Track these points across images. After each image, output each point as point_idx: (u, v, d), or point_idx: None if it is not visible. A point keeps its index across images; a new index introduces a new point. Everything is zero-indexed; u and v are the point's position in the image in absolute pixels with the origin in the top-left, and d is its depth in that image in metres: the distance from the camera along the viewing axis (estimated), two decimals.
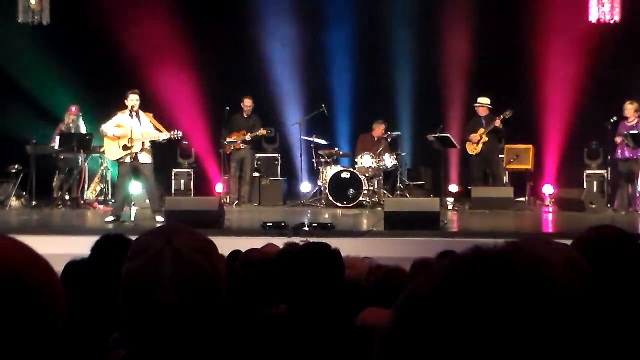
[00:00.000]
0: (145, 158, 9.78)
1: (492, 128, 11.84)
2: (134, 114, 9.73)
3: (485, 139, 11.90)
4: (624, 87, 12.31)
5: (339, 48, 13.54)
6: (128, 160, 9.71)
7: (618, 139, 11.20)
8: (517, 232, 9.07)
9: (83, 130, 12.36)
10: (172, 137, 9.99)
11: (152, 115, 10.02)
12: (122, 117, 9.81)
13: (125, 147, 9.70)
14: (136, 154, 9.68)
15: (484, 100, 12.09)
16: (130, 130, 9.66)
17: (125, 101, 9.81)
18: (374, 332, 2.54)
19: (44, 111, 12.62)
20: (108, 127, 9.84)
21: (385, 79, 13.65)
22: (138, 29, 13.12)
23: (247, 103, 12.68)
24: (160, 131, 9.90)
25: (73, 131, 12.20)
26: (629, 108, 11.18)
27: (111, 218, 9.70)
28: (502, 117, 11.73)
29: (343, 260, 2.92)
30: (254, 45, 13.48)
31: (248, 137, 12.47)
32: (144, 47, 13.18)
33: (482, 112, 12.09)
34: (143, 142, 9.71)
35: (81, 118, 12.45)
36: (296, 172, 13.12)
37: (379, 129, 12.62)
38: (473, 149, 12.04)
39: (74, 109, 12.38)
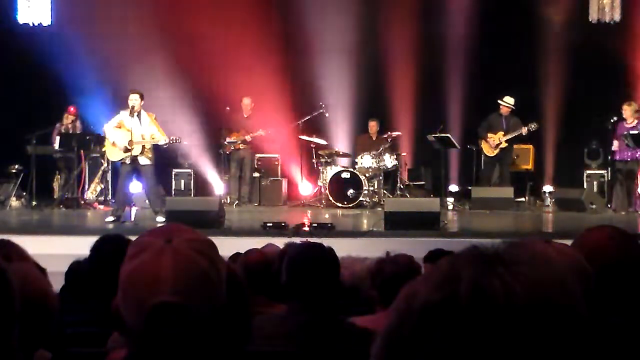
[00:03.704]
0: (145, 160, 9.76)
1: (515, 135, 11.80)
2: (135, 113, 9.71)
3: (505, 144, 11.87)
4: (624, 87, 12.31)
5: (338, 47, 13.53)
6: (128, 160, 9.70)
7: (616, 141, 11.22)
8: (517, 232, 9.07)
9: (80, 130, 12.35)
10: (171, 142, 10.03)
11: (154, 116, 9.97)
12: (124, 116, 9.79)
13: (125, 149, 9.68)
14: (136, 156, 9.66)
15: (509, 101, 12.02)
16: (130, 132, 9.64)
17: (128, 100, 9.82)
18: (372, 333, 2.54)
19: (43, 111, 12.59)
20: (109, 129, 9.82)
21: (385, 78, 13.64)
22: (135, 26, 13.12)
23: (246, 102, 12.68)
24: (161, 134, 9.90)
25: (71, 132, 12.19)
26: (627, 109, 11.19)
27: (111, 218, 9.68)
28: (527, 128, 11.68)
29: (339, 259, 2.92)
30: (255, 44, 13.46)
31: (248, 138, 12.46)
32: (143, 46, 13.18)
33: (505, 111, 12.02)
34: (143, 145, 9.70)
35: (79, 118, 12.43)
36: (296, 172, 13.12)
37: (372, 127, 12.70)
38: (490, 152, 11.99)
39: (72, 109, 12.35)
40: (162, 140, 9.85)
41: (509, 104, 11.99)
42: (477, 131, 12.20)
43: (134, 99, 9.68)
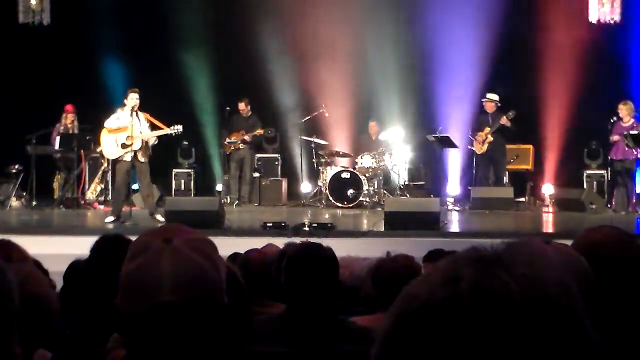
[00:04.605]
0: (143, 157, 9.76)
1: (498, 127, 11.76)
2: (134, 113, 9.69)
3: (490, 138, 11.82)
4: (624, 87, 12.32)
5: (338, 47, 13.53)
6: (127, 158, 9.67)
7: (614, 138, 11.21)
8: (517, 232, 9.06)
9: (78, 129, 12.33)
10: (172, 133, 9.89)
11: (148, 114, 9.94)
12: (121, 114, 9.77)
13: (124, 145, 9.64)
14: (135, 151, 9.63)
15: (493, 96, 12.00)
16: (130, 129, 9.60)
17: (125, 100, 9.77)
18: (371, 332, 2.54)
19: (43, 111, 12.58)
20: (111, 122, 9.79)
21: (385, 78, 13.64)
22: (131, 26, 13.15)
23: (241, 107, 12.65)
24: (161, 128, 9.87)
25: (70, 132, 12.17)
26: (622, 108, 11.20)
27: (111, 218, 9.68)
28: (506, 117, 11.65)
29: (338, 259, 2.93)
30: (254, 44, 13.48)
31: (247, 138, 12.46)
32: (142, 46, 13.20)
33: (490, 108, 11.98)
34: (143, 140, 9.66)
35: (76, 118, 12.40)
36: (296, 172, 13.12)
37: (372, 127, 12.70)
38: (479, 148, 11.96)
39: (69, 107, 12.31)
40: (162, 132, 9.80)
41: (493, 99, 11.98)
42: (471, 134, 12.18)
43: (134, 98, 9.66)
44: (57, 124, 12.28)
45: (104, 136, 9.81)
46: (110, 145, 9.76)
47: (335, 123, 13.47)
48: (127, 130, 9.58)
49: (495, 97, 11.99)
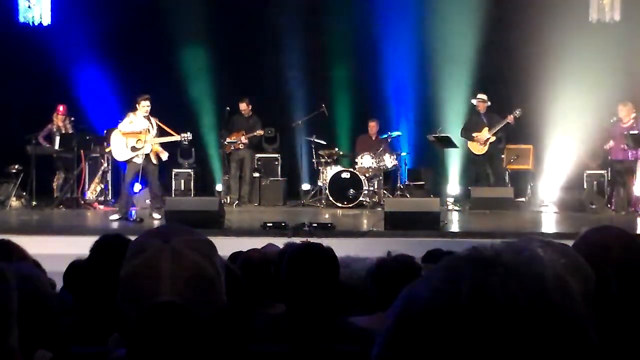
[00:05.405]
0: (154, 159, 10.06)
1: (503, 125, 11.75)
2: (147, 119, 10.00)
3: (493, 138, 11.83)
4: (624, 87, 12.30)
5: (339, 47, 13.53)
6: (138, 160, 9.85)
7: (611, 141, 11.23)
8: (517, 232, 9.05)
9: (71, 129, 12.32)
10: (182, 139, 10.38)
11: (157, 118, 10.16)
12: (134, 118, 10.04)
13: (133, 148, 9.85)
14: (147, 154, 9.84)
15: (483, 96, 12.02)
16: (143, 133, 9.86)
17: (137, 105, 10.04)
18: (371, 333, 2.54)
19: (43, 111, 12.58)
20: (124, 125, 9.99)
21: (385, 79, 13.64)
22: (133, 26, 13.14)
23: (242, 107, 12.66)
24: (171, 134, 10.17)
25: (63, 131, 12.16)
26: (622, 109, 11.21)
27: (116, 216, 9.93)
28: (513, 116, 11.66)
29: (338, 259, 2.93)
30: (254, 44, 13.48)
31: (244, 139, 12.47)
32: (142, 46, 13.19)
33: (482, 108, 12.01)
34: (152, 145, 9.94)
35: (68, 118, 12.37)
36: (296, 172, 13.12)
37: (372, 127, 12.70)
38: (480, 149, 11.94)
39: (61, 108, 12.29)
40: (172, 138, 10.18)
41: (484, 99, 12.00)
42: (464, 136, 12.14)
43: (145, 106, 9.97)
44: (48, 125, 12.25)
45: (115, 137, 10.06)
46: (119, 147, 9.99)
47: (335, 123, 13.47)
48: (139, 135, 9.81)
49: (485, 96, 12.01)
